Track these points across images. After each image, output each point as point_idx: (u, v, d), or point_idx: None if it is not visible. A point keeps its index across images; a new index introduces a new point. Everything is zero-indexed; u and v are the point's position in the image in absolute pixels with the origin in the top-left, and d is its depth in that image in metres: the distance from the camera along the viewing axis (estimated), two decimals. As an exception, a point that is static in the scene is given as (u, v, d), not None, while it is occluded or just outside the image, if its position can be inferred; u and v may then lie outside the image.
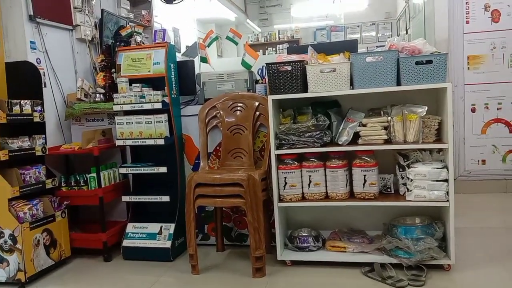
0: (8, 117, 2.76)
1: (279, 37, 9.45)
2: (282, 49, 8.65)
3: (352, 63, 2.59)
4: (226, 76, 3.19)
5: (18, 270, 2.76)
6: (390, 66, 2.52)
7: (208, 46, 3.38)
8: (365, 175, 2.66)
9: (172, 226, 3.13)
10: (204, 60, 3.33)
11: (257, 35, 9.56)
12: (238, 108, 3.08)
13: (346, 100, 2.88)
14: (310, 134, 2.69)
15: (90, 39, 3.76)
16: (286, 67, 2.65)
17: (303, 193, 2.79)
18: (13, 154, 2.80)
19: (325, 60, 2.70)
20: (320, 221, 3.03)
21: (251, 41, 9.21)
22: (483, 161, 4.45)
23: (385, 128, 2.63)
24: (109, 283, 2.81)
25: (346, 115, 2.76)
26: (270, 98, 2.71)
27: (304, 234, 2.92)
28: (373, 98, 2.71)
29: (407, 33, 6.06)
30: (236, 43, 3.51)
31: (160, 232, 3.14)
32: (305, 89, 2.70)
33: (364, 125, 2.66)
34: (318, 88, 2.64)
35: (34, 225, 2.85)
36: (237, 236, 3.28)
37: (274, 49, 8.99)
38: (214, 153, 3.20)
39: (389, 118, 2.63)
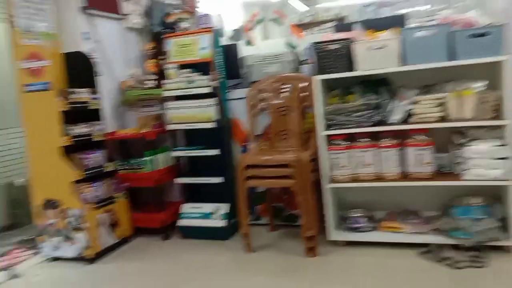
0: (68, 105, 2.94)
1: (324, 16, 9.17)
2: (327, 28, 8.37)
3: (402, 39, 2.48)
4: (272, 58, 3.17)
5: (85, 247, 2.98)
6: (442, 41, 2.39)
7: (253, 28, 3.37)
8: (419, 155, 2.58)
9: (225, 207, 3.22)
10: (249, 43, 3.34)
11: (301, 15, 9.34)
12: (285, 89, 3.07)
13: (397, 78, 2.77)
14: (360, 113, 2.64)
15: (139, 27, 3.86)
16: (333, 45, 2.60)
17: (354, 174, 2.75)
18: (75, 139, 2.99)
19: (373, 36, 2.61)
20: (372, 202, 2.98)
21: (296, 21, 9.01)
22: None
23: (440, 105, 2.52)
24: (168, 260, 2.96)
25: (398, 93, 2.67)
26: (317, 78, 2.68)
27: (357, 214, 2.90)
28: (425, 74, 2.59)
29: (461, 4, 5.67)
30: (281, 24, 3.47)
31: (214, 212, 3.24)
32: (352, 67, 2.63)
33: (417, 103, 2.55)
34: (367, 66, 2.57)
35: (98, 205, 3.05)
36: (288, 217, 3.31)
37: (319, 28, 8.74)
38: (262, 135, 3.23)
39: (444, 94, 2.51)
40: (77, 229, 2.98)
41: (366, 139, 2.71)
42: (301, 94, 3.00)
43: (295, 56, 3.12)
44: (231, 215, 3.23)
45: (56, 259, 3.11)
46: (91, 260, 2.99)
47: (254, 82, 3.20)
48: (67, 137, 2.94)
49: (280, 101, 3.08)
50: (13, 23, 2.85)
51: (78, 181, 3.00)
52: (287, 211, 3.31)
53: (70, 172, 2.95)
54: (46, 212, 3.05)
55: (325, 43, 2.62)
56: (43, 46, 2.90)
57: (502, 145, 2.37)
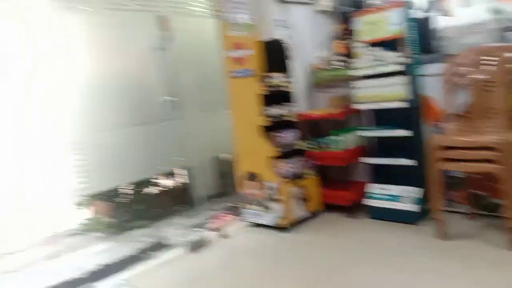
0: (267, 88, 3.25)
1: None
2: None
3: None
4: (472, 28, 2.82)
5: (281, 217, 3.29)
6: None
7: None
8: None
9: (417, 190, 3.10)
10: (446, 13, 3.04)
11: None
12: (489, 62, 2.71)
13: None
14: None
15: (328, 9, 3.94)
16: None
17: None
18: (272, 120, 3.31)
19: None
20: None
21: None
22: None
23: None
24: (357, 238, 3.04)
25: None
26: (533, 46, 2.28)
27: None
28: None
29: None
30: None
31: (404, 195, 3.15)
32: None
33: None
34: None
35: (292, 180, 3.33)
36: (490, 206, 2.97)
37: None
38: (458, 114, 2.94)
39: None
40: (273, 200, 3.31)
41: None
42: (508, 66, 2.61)
43: (500, 24, 2.71)
44: (423, 200, 3.08)
45: (255, 225, 3.52)
46: (285, 229, 3.29)
47: (451, 55, 2.92)
48: (265, 117, 3.27)
49: (482, 76, 2.74)
50: (222, 17, 3.29)
51: (274, 157, 3.32)
52: (489, 199, 2.97)
53: (268, 149, 3.28)
54: (248, 183, 3.48)
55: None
56: (245, 37, 3.27)
57: None
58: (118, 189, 4.28)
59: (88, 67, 2.84)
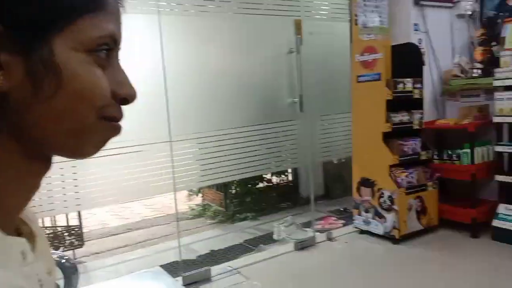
0: (393, 94, 3.15)
1: None
2: None
3: None
4: None
5: (393, 227, 3.17)
6: None
7: None
8: None
9: (556, 216, 2.77)
10: None
11: None
12: None
13: None
14: None
15: (469, 13, 3.68)
16: None
17: None
18: (395, 126, 3.19)
19: None
20: None
21: None
22: None
23: None
24: (474, 260, 2.82)
25: None
26: None
27: None
28: None
29: None
30: None
31: (539, 220, 2.84)
32: None
33: None
34: None
35: (409, 191, 3.19)
36: None
37: None
38: None
39: None
40: (388, 209, 3.20)
41: None
42: None
43: None
44: None
45: (364, 232, 3.43)
46: (397, 240, 3.16)
47: None
48: (389, 123, 3.17)
49: None
50: (355, 21, 3.27)
51: (393, 165, 3.20)
52: None
53: (388, 156, 3.18)
54: (362, 189, 3.41)
55: None
56: (376, 40, 3.20)
57: None
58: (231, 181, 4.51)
59: (221, 67, 3.02)
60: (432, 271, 2.70)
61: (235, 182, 4.73)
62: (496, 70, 2.99)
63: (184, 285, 2.66)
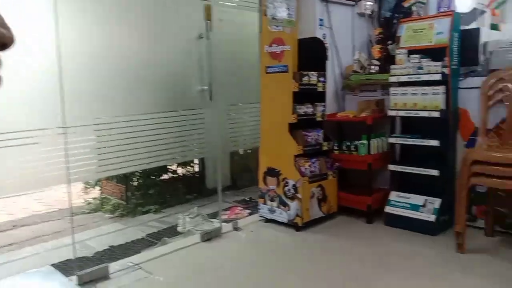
0: (299, 86, 3.22)
1: None
2: None
3: None
4: (520, 45, 2.81)
5: (296, 215, 3.26)
6: None
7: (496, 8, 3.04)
8: None
9: (437, 201, 3.08)
10: (495, 27, 3.03)
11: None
12: (533, 81, 2.70)
13: None
14: None
15: (369, 13, 3.92)
16: None
17: None
18: (300, 118, 3.27)
19: None
20: None
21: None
22: None
23: None
24: (370, 242, 3.01)
25: None
26: None
27: None
28: None
29: None
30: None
31: (424, 205, 3.13)
32: None
33: None
34: None
35: (312, 179, 3.30)
36: (511, 224, 2.95)
37: None
38: (494, 130, 2.92)
39: None
40: (292, 197, 3.28)
41: None
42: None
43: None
44: (443, 211, 3.06)
45: (269, 220, 3.48)
46: (300, 227, 3.26)
47: (495, 70, 2.90)
48: (295, 115, 3.24)
49: (524, 94, 2.73)
50: (264, 11, 3.26)
51: (297, 155, 3.29)
52: (511, 217, 2.94)
53: (293, 147, 3.25)
54: (268, 178, 3.45)
55: None
56: (284, 33, 3.24)
57: None
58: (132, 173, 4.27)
59: (125, 50, 2.81)
60: (332, 255, 2.82)
61: (137, 173, 4.51)
62: (392, 67, 3.22)
63: (79, 285, 2.43)
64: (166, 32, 3.03)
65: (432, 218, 3.05)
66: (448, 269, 2.53)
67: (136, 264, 2.74)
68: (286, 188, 3.31)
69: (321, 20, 3.65)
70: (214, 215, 3.73)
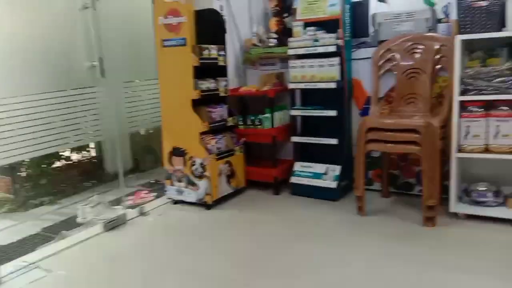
0: (199, 61, 3.10)
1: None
2: None
3: None
4: (405, 16, 3.00)
5: (206, 194, 3.21)
6: None
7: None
8: None
9: (338, 168, 3.24)
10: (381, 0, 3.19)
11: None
12: (417, 50, 2.92)
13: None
14: (503, 79, 2.43)
15: (264, -16, 3.88)
16: (481, 2, 2.38)
17: (487, 145, 2.57)
18: (203, 94, 3.17)
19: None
20: (501, 176, 2.78)
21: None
22: None
23: None
24: (279, 213, 3.09)
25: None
26: (458, 38, 2.49)
27: (482, 188, 2.74)
28: None
29: None
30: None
31: (326, 173, 3.27)
32: (502, 28, 2.40)
33: None
34: (522, 26, 2.32)
35: (219, 156, 3.25)
36: (403, 184, 3.23)
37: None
38: (385, 98, 3.13)
39: None
40: (200, 176, 3.21)
41: (506, 108, 2.50)
42: (435, 56, 2.83)
43: (431, 14, 2.92)
44: (342, 177, 3.23)
45: (177, 202, 3.39)
46: (210, 206, 3.22)
47: (383, 41, 3.08)
48: (197, 91, 3.13)
49: (410, 62, 2.94)
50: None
51: (203, 133, 3.20)
52: (402, 178, 3.23)
53: (198, 124, 3.15)
54: (174, 158, 3.32)
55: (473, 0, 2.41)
56: (179, 3, 3.06)
57: None
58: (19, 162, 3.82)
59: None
60: (243, 229, 2.83)
61: (24, 162, 4.04)
62: (289, 39, 3.25)
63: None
64: (44, 2, 2.67)
65: (333, 184, 3.20)
66: (351, 231, 2.69)
67: (32, 263, 2.47)
68: (193, 167, 3.22)
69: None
70: (117, 202, 3.51)
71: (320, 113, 3.23)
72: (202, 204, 3.24)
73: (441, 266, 2.17)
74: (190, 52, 3.05)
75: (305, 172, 3.38)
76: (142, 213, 3.22)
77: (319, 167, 3.33)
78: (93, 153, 4.80)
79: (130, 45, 3.27)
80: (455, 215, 2.72)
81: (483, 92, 2.49)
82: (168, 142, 3.32)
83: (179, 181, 3.32)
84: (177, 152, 3.28)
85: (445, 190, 2.78)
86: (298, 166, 3.43)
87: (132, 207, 3.37)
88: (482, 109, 2.54)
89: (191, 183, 3.26)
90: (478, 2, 2.39)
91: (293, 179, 3.40)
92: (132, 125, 3.64)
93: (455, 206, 2.71)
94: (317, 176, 3.30)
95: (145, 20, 3.31)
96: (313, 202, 3.22)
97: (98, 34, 2.90)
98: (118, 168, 3.22)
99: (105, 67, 2.95)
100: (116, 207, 3.40)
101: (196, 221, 3.05)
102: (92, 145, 4.66)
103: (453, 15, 2.51)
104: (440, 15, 2.94)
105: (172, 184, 3.36)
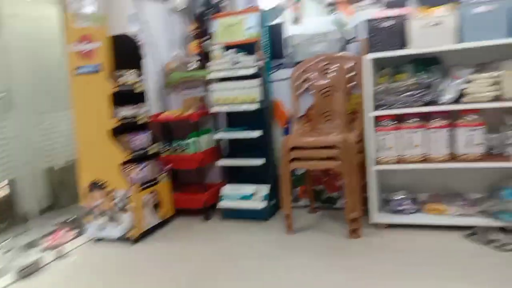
0: (117, 87, 2.98)
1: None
2: (366, 5, 8.28)
3: (460, 15, 2.43)
4: (318, 37, 3.14)
5: (130, 228, 3.03)
6: (502, 17, 2.33)
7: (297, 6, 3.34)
8: (470, 135, 2.54)
9: (265, 188, 3.25)
10: (295, 21, 3.31)
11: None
12: (331, 69, 3.05)
13: (449, 56, 2.72)
14: (410, 93, 2.60)
15: (182, 8, 3.85)
16: (386, 22, 2.56)
17: (400, 156, 2.73)
18: (122, 122, 3.04)
19: (428, 13, 2.56)
20: (417, 184, 2.96)
21: None
22: None
23: (494, 84, 2.46)
24: (209, 240, 3.00)
25: (450, 71, 2.62)
26: (367, 57, 2.65)
27: (400, 197, 2.88)
28: (480, 52, 2.53)
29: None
30: (320, 2, 3.44)
31: (254, 194, 3.26)
32: (405, 45, 2.59)
33: (471, 82, 2.50)
34: (422, 44, 2.52)
35: (143, 186, 3.11)
36: (327, 199, 3.32)
37: (357, 5, 8.57)
38: (305, 116, 3.22)
39: (499, 73, 2.45)
40: (122, 210, 3.04)
41: (415, 120, 2.68)
42: (347, 74, 2.98)
43: (342, 35, 3.08)
44: (271, 196, 3.25)
45: (100, 239, 3.17)
46: (135, 240, 3.05)
47: (299, 62, 3.19)
48: (115, 119, 2.99)
49: (325, 81, 3.06)
50: (66, 6, 2.89)
51: (124, 163, 3.05)
52: (326, 193, 3.31)
53: (118, 154, 3.00)
54: (93, 193, 3.12)
55: (379, 20, 2.58)
56: (93, 29, 2.94)
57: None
58: None
59: None
60: (173, 261, 2.70)
61: None
62: (209, 63, 3.24)
63: None
64: None
65: (262, 205, 3.20)
66: (282, 250, 2.68)
67: None
68: (115, 201, 3.04)
69: (133, 15, 3.44)
70: (32, 245, 3.19)
71: (244, 134, 3.24)
72: (126, 239, 3.06)
73: (369, 277, 2.22)
74: (106, 78, 2.92)
75: (234, 194, 3.34)
76: (61, 255, 2.97)
77: (247, 189, 3.31)
78: (4, 191, 4.38)
79: (42, 74, 3.06)
80: (377, 225, 2.82)
81: (393, 106, 2.65)
82: (86, 176, 3.12)
83: (100, 216, 3.12)
84: (96, 185, 3.09)
85: (367, 201, 2.88)
86: (226, 189, 3.39)
87: (49, 249, 3.09)
88: (394, 122, 2.70)
89: (113, 218, 3.07)
90: (383, 23, 2.56)
91: (222, 203, 3.35)
92: (48, 159, 3.37)
93: (376, 216, 2.82)
94: (246, 197, 3.28)
95: (57, 47, 3.12)
96: (243, 225, 3.18)
97: (3, 63, 2.67)
98: (33, 207, 2.94)
99: (13, 98, 2.71)
100: (31, 250, 3.09)
101: (120, 259, 2.85)
102: (2, 183, 4.26)
103: (363, 35, 2.67)
104: (351, 36, 3.12)
105: (92, 221, 3.15)
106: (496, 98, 2.47)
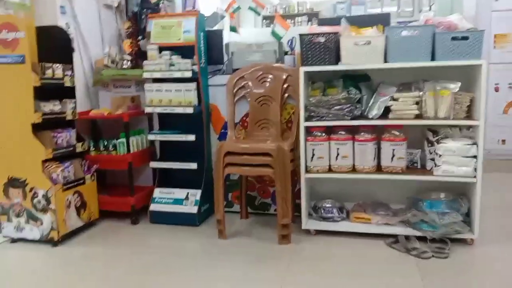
0: (42, 81, 2.79)
1: (298, 9, 9.28)
2: (301, 21, 8.56)
3: (387, 37, 2.58)
4: (255, 47, 3.18)
5: (51, 229, 2.86)
6: (425, 41, 2.51)
7: (235, 16, 3.36)
8: (393, 149, 2.69)
9: (198, 193, 3.21)
10: (233, 29, 3.32)
11: (275, 6, 9.37)
12: (267, 79, 3.10)
13: (377, 74, 2.88)
14: (340, 107, 2.71)
15: (116, 5, 3.72)
16: (319, 38, 2.65)
17: (330, 165, 2.84)
18: (46, 117, 2.85)
19: (358, 32, 2.69)
20: (344, 193, 3.09)
21: (269, 12, 9.04)
22: (503, 141, 4.48)
23: (417, 103, 2.64)
24: (136, 245, 2.91)
25: (378, 89, 2.77)
26: (302, 69, 2.72)
27: (328, 205, 2.99)
28: (405, 72, 2.71)
29: (430, 9, 5.99)
30: (259, 14, 3.49)
31: (186, 198, 3.22)
32: (337, 61, 2.70)
33: (396, 100, 2.66)
34: (352, 61, 2.64)
35: (66, 186, 2.94)
36: (260, 205, 3.36)
37: (292, 21, 8.85)
38: (240, 123, 3.24)
39: (421, 93, 2.63)
40: (43, 210, 2.85)
41: (344, 132, 2.80)
42: (283, 85, 3.04)
43: (278, 47, 3.15)
44: (204, 201, 3.22)
45: (17, 240, 2.96)
46: (56, 243, 2.88)
47: (236, 69, 3.20)
48: (39, 113, 2.80)
49: (261, 90, 3.10)
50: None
51: (47, 160, 2.87)
52: (259, 199, 3.35)
53: (40, 151, 2.81)
54: (11, 190, 2.90)
55: (313, 36, 2.66)
56: (15, 17, 2.73)
57: (472, 144, 2.53)
58: None
59: None
60: (96, 267, 2.58)
61: None
62: (144, 62, 3.15)
63: None
64: None
65: (194, 209, 3.16)
66: (212, 256, 2.66)
67: None
68: (35, 200, 2.85)
69: (62, 7, 3.25)
70: None
71: (179, 137, 3.18)
72: (47, 241, 2.87)
73: (295, 283, 2.27)
74: (30, 70, 2.73)
75: (165, 198, 3.27)
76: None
77: (179, 193, 3.25)
78: None
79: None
80: (308, 231, 2.91)
81: (324, 118, 2.75)
82: (3, 172, 2.89)
83: (18, 216, 2.91)
84: (15, 183, 2.87)
85: (298, 208, 2.96)
86: (157, 192, 3.31)
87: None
88: (324, 134, 2.80)
89: (33, 218, 2.88)
90: (317, 38, 2.65)
91: (153, 207, 3.26)
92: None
93: (306, 223, 2.90)
94: (178, 202, 3.22)
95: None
96: (173, 230, 3.12)
97: None
98: None
99: None
100: None
101: (39, 262, 2.68)
102: None
103: (297, 48, 2.75)
104: (287, 48, 3.20)
105: (9, 220, 2.92)
106: (418, 116, 2.65)
